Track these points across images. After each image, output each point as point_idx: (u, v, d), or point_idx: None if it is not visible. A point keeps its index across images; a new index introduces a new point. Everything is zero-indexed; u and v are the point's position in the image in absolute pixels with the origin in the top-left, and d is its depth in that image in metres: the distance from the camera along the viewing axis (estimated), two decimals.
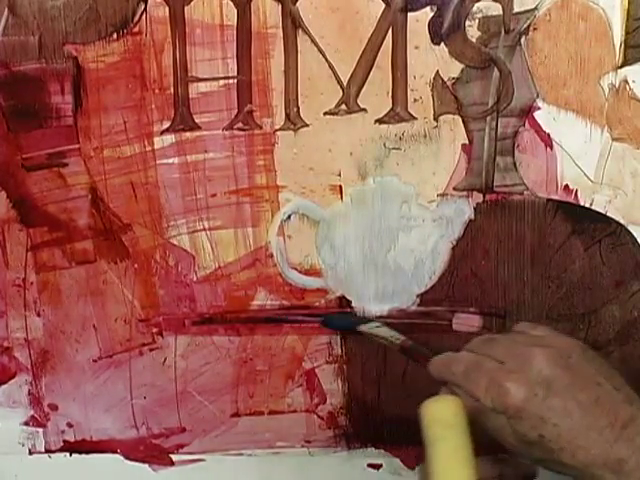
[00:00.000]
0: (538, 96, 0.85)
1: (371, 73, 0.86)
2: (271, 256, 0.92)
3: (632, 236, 0.88)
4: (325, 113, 0.87)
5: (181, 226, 0.91)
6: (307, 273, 0.92)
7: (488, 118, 0.86)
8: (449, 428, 0.74)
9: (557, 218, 0.88)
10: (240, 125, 0.88)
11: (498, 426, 0.72)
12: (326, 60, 0.85)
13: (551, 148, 0.86)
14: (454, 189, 0.88)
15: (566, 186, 0.87)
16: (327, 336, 0.93)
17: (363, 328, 0.89)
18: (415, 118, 0.87)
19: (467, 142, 0.87)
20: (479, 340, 0.78)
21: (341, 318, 0.93)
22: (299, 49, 0.86)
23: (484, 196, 0.88)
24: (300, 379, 0.96)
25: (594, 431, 0.69)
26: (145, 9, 0.85)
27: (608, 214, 0.88)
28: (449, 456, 0.74)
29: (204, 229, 0.91)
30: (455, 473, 0.73)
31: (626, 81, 0.84)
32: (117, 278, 0.93)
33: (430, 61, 0.85)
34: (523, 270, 0.90)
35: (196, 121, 0.88)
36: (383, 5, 0.84)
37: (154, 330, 0.95)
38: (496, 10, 0.83)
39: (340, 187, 0.89)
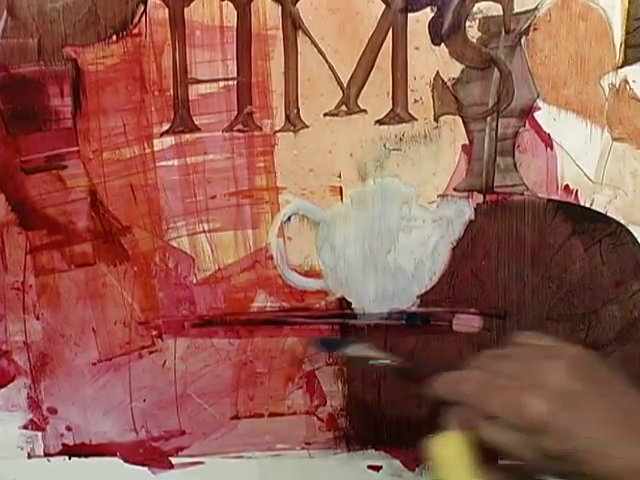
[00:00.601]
0: (538, 96, 0.85)
1: (371, 74, 0.86)
2: (271, 258, 0.92)
3: (632, 236, 0.88)
4: (325, 114, 0.87)
5: (181, 228, 0.91)
6: (307, 275, 0.92)
7: (488, 119, 0.86)
8: (458, 466, 0.74)
9: (557, 218, 0.88)
10: (240, 127, 0.88)
11: (516, 444, 0.70)
12: (326, 61, 0.85)
13: (551, 148, 0.86)
14: (454, 190, 0.88)
15: (566, 186, 0.87)
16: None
17: (350, 352, 0.89)
18: (415, 119, 0.87)
19: (467, 143, 0.87)
20: (487, 357, 0.77)
21: (332, 341, 0.93)
22: (299, 50, 0.86)
23: (484, 197, 0.88)
24: (300, 381, 0.96)
25: (622, 440, 0.67)
26: (145, 11, 0.85)
27: (608, 214, 0.88)
28: None
29: (204, 231, 0.91)
30: None
31: (626, 81, 0.84)
32: (116, 281, 0.93)
33: (430, 62, 0.85)
34: (523, 270, 0.90)
35: (196, 123, 0.88)
36: (383, 6, 0.84)
37: (154, 333, 0.95)
38: (496, 10, 0.83)
39: (340, 188, 0.89)
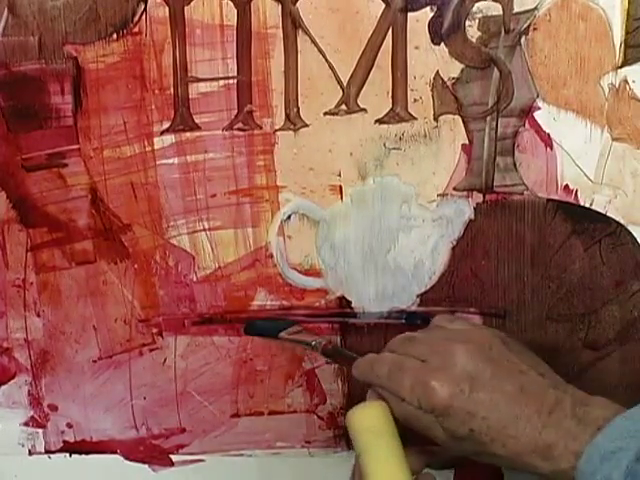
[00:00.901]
0: (538, 96, 0.85)
1: (371, 73, 0.85)
2: (271, 256, 0.92)
3: (632, 236, 0.88)
4: (325, 113, 0.87)
5: (181, 226, 0.91)
6: (307, 273, 0.92)
7: (488, 118, 0.86)
8: (379, 435, 0.75)
9: (557, 218, 0.88)
10: (240, 125, 0.88)
11: (427, 424, 0.73)
12: (326, 60, 0.85)
13: (551, 148, 0.86)
14: (454, 189, 0.88)
15: (566, 186, 0.87)
16: (327, 336, 0.93)
17: (282, 335, 0.90)
18: (415, 118, 0.87)
19: (467, 142, 0.87)
20: (399, 339, 0.79)
21: (262, 325, 0.93)
22: (299, 49, 0.85)
23: (484, 196, 0.88)
24: (300, 379, 0.96)
25: (522, 420, 0.70)
26: (145, 9, 0.85)
27: (608, 214, 0.87)
28: (382, 463, 0.75)
29: (204, 229, 0.91)
30: (391, 479, 0.74)
31: (626, 81, 0.84)
32: (117, 278, 0.93)
33: (430, 61, 0.85)
34: (523, 270, 0.90)
35: (196, 121, 0.88)
36: (383, 5, 0.84)
37: (154, 330, 0.95)
38: (496, 10, 0.83)
39: (340, 187, 0.89)
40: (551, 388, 0.72)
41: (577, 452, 0.67)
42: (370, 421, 0.76)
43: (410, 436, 0.76)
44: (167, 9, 0.85)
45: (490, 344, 0.75)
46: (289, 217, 0.91)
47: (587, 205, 0.87)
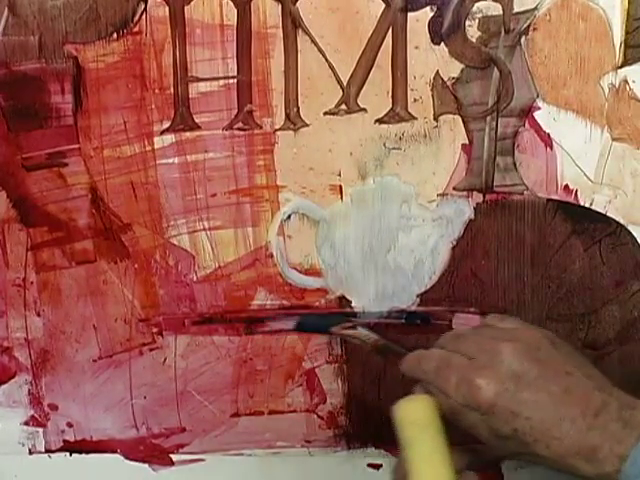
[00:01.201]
0: (538, 96, 0.85)
1: (371, 73, 0.85)
2: (271, 256, 0.92)
3: (632, 236, 0.88)
4: (325, 113, 0.87)
5: (181, 226, 0.91)
6: (307, 273, 0.92)
7: (488, 118, 0.86)
8: (425, 429, 0.75)
9: (557, 218, 0.88)
10: (240, 125, 0.88)
11: (472, 422, 0.73)
12: (326, 60, 0.85)
13: (551, 148, 0.86)
14: (454, 189, 0.88)
15: (566, 186, 0.87)
16: (327, 336, 0.93)
17: (335, 330, 0.90)
18: (415, 118, 0.87)
19: (467, 142, 0.87)
20: (449, 336, 0.79)
21: (315, 320, 0.93)
22: (299, 49, 0.85)
23: (484, 196, 0.88)
24: (300, 379, 0.96)
25: (567, 421, 0.69)
26: (145, 9, 0.85)
27: (608, 214, 0.87)
28: (426, 457, 0.74)
29: (204, 229, 0.91)
30: (434, 473, 0.73)
31: (626, 81, 0.84)
32: (117, 278, 0.93)
33: (430, 61, 0.85)
34: (523, 270, 0.90)
35: (196, 121, 0.88)
36: (383, 5, 0.84)
37: (154, 330, 0.95)
38: (496, 10, 0.83)
39: (340, 187, 0.89)
40: (597, 390, 0.71)
41: (622, 455, 0.66)
42: (416, 414, 0.76)
43: (453, 435, 0.76)
44: (167, 9, 0.85)
45: (538, 344, 0.74)
46: (289, 217, 0.91)
47: (587, 205, 0.87)
